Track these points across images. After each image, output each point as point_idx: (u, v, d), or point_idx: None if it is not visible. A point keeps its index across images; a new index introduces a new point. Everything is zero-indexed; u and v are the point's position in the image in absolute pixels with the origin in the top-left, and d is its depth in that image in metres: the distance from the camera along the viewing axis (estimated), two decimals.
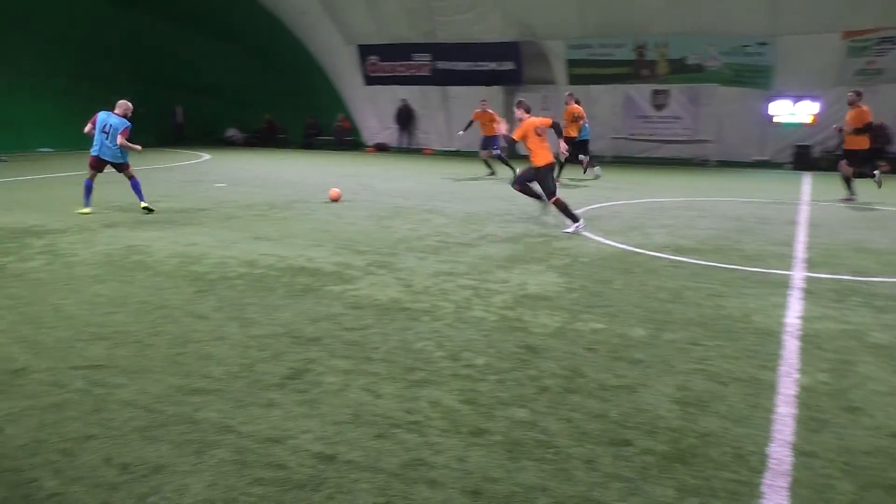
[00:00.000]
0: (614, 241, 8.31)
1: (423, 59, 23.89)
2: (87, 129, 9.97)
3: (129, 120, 9.93)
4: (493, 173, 16.18)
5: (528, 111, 9.36)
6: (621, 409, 3.65)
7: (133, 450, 3.16)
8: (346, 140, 25.79)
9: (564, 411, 3.62)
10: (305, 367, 4.19)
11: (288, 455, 3.13)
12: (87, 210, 9.84)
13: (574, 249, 7.83)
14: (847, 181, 12.22)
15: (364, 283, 6.22)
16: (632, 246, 8.05)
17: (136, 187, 10.14)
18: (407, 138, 24.83)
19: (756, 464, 3.11)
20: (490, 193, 13.11)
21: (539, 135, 9.08)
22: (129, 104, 10.06)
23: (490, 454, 3.17)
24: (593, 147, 22.15)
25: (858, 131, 11.82)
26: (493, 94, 22.97)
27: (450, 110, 24.00)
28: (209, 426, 3.40)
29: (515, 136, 9.21)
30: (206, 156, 21.33)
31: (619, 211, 11.05)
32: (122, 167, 10.12)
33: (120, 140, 9.77)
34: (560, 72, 22.12)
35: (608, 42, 21.11)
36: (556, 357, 4.43)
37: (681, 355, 4.48)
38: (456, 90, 23.55)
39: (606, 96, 21.76)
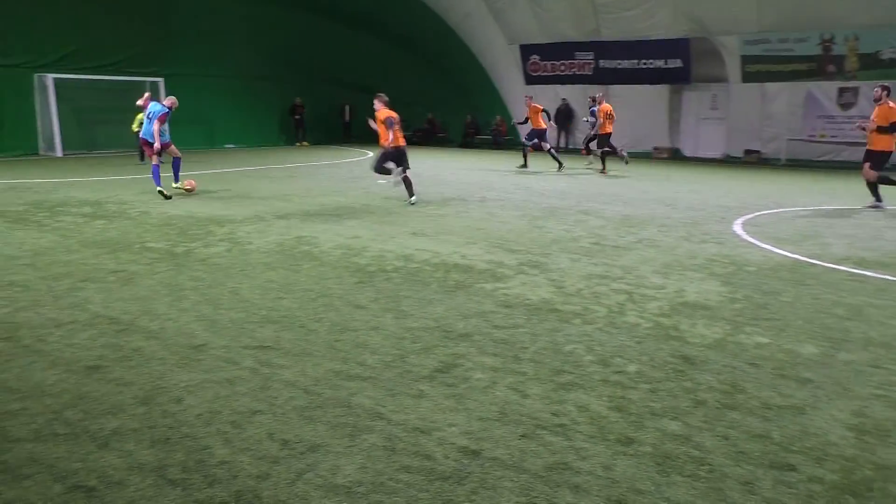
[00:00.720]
0: (785, 251, 7.72)
1: (586, 57, 23.51)
2: (140, 102, 11.99)
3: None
4: (524, 165, 17.87)
5: (386, 104, 10.96)
6: (786, 431, 3.39)
7: (293, 428, 3.37)
8: (504, 139, 25.96)
9: (721, 428, 3.42)
10: (455, 362, 4.27)
11: (434, 446, 3.21)
12: (160, 189, 11.33)
13: (739, 257, 7.37)
14: (872, 186, 11.12)
15: (515, 283, 6.23)
16: (805, 256, 7.44)
17: (175, 166, 12.07)
18: (565, 138, 24.57)
19: None
20: (650, 196, 12.65)
21: (389, 125, 10.72)
22: (175, 99, 11.79)
23: (638, 465, 3.06)
24: (766, 149, 20.85)
25: (883, 130, 10.65)
26: (658, 93, 22.25)
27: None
28: (362, 411, 3.56)
29: (377, 126, 10.99)
30: (370, 153, 22.30)
31: (791, 218, 10.25)
32: (163, 147, 11.53)
33: (156, 125, 11.30)
34: (733, 69, 20.90)
35: (789, 36, 19.63)
36: (714, 370, 4.19)
37: (859, 378, 4.08)
38: (618, 89, 22.97)
39: (784, 95, 20.29)
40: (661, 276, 6.53)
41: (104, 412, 3.52)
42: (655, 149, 22.40)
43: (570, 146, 24.38)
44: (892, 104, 10.61)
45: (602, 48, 22.91)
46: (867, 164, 11.01)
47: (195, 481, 2.89)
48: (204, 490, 2.82)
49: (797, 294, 5.92)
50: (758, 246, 8.01)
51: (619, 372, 4.15)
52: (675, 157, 22.39)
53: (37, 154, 19.48)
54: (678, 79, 21.72)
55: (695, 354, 4.46)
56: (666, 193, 13.06)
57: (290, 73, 24.66)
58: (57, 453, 3.10)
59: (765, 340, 4.73)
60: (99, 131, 20.34)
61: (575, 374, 4.11)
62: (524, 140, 18.07)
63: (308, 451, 3.15)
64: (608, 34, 22.44)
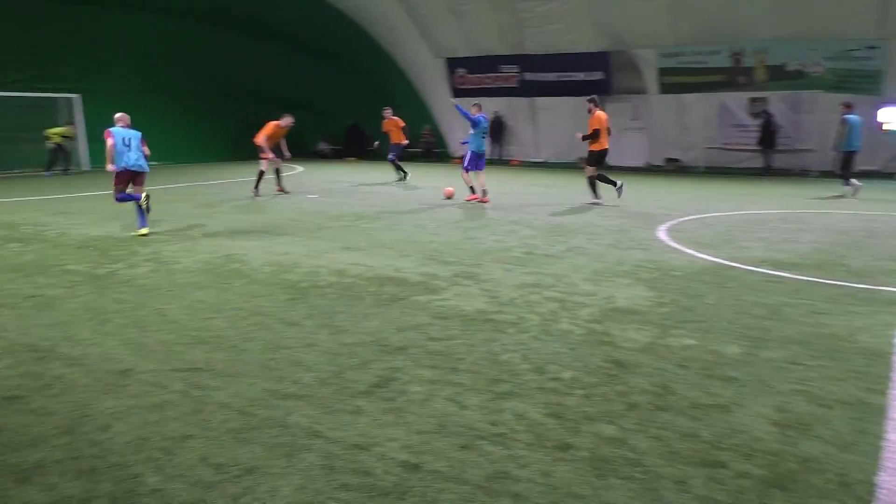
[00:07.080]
0: (707, 255, 8.03)
1: (511, 70, 23.96)
2: (109, 143, 9.21)
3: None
4: (403, 177, 18.10)
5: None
6: (714, 430, 3.51)
7: (227, 450, 3.28)
8: (434, 151, 26.12)
9: (654, 429, 3.51)
10: (392, 376, 4.25)
11: (374, 462, 3.18)
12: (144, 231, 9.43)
13: (664, 263, 7.61)
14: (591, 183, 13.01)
15: (450, 294, 6.26)
16: (725, 260, 7.75)
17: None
18: (499, 150, 24.91)
19: (863, 493, 2.92)
20: (576, 204, 12.93)
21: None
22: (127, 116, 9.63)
23: (576, 470, 3.11)
24: (686, 157, 21.68)
25: (586, 137, 12.80)
26: (583, 104, 22.82)
27: (537, 121, 23.97)
28: (299, 430, 3.49)
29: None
30: (299, 168, 22.03)
31: (711, 223, 10.67)
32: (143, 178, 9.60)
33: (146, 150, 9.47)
34: (651, 81, 21.67)
35: (702, 49, 20.52)
36: (645, 373, 4.31)
37: (779, 375, 4.27)
38: (544, 101, 23.50)
39: (699, 105, 21.16)
40: (592, 284, 6.68)
41: (24, 445, 3.34)
42: (581, 158, 22.93)
43: (504, 157, 24.71)
44: (597, 113, 12.71)
45: (527, 61, 23.38)
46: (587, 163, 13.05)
47: None
48: None
49: (720, 296, 6.16)
50: (682, 251, 8.30)
51: (555, 379, 4.22)
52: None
53: None
54: (599, 90, 22.36)
55: (626, 358, 4.57)
56: (598, 206, 13.36)
57: (211, 89, 24.09)
58: None
59: (692, 342, 4.90)
60: (3, 150, 19.35)
61: (512, 382, 4.15)
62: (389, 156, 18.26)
63: (244, 473, 3.07)
64: (532, 48, 22.93)
